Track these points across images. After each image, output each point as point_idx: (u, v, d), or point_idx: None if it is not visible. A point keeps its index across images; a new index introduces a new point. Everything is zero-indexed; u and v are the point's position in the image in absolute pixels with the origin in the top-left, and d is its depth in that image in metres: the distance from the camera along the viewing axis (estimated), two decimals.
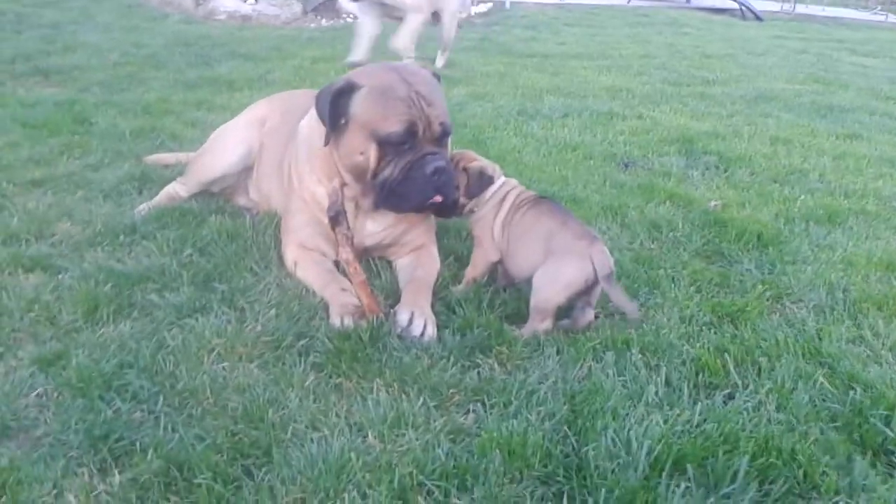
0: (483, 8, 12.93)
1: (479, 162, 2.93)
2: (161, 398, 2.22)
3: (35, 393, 2.24)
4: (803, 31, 13.06)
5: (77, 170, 4.02)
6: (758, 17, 14.40)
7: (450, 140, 2.88)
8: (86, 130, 4.70)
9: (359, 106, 2.73)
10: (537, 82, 7.04)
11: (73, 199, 3.63)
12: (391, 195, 2.78)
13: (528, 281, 2.67)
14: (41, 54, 6.90)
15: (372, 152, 2.74)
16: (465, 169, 2.87)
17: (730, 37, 11.49)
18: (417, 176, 2.72)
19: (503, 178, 2.95)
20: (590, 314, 2.66)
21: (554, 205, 2.84)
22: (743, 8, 14.67)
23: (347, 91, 2.75)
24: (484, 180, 2.87)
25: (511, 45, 9.20)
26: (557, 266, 2.59)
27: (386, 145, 2.72)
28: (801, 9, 16.27)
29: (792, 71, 8.54)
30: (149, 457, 1.97)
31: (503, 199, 2.87)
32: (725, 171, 4.57)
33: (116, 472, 1.94)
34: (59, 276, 2.88)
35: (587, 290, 2.58)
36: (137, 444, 2.03)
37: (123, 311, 2.68)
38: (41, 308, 2.66)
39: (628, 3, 15.42)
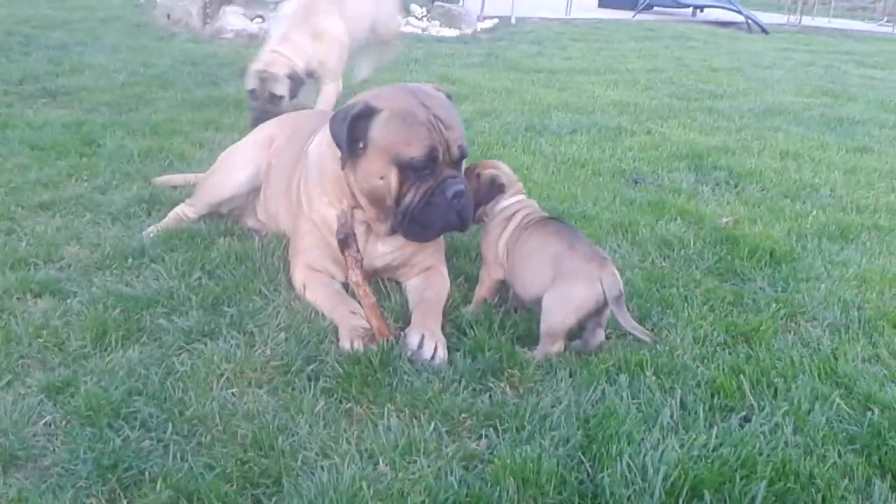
0: (488, 24, 12.95)
1: (496, 171, 2.93)
2: (170, 426, 2.20)
3: (43, 421, 2.21)
4: (810, 43, 13.04)
5: (85, 192, 4.01)
6: (764, 30, 14.38)
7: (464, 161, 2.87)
8: (94, 152, 4.70)
9: (379, 130, 2.71)
10: (544, 98, 7.02)
11: (82, 222, 3.62)
12: (412, 222, 2.77)
13: (536, 302, 2.65)
14: (49, 75, 6.91)
15: (393, 177, 2.72)
16: (478, 175, 2.89)
17: (736, 50, 11.48)
18: (439, 201, 2.72)
19: (519, 197, 2.94)
20: (600, 335, 2.63)
21: (561, 225, 2.82)
22: (749, 21, 14.66)
23: (366, 115, 2.72)
24: (494, 188, 2.88)
25: (517, 61, 9.20)
26: (567, 289, 2.56)
27: (407, 170, 2.70)
28: (807, 21, 16.26)
29: (799, 84, 8.52)
30: (158, 487, 1.95)
31: (511, 217, 2.86)
32: (736, 186, 4.54)
33: (125, 502, 1.92)
34: (68, 301, 2.86)
35: (598, 311, 2.56)
36: (146, 473, 2.01)
37: (132, 336, 2.67)
38: (49, 334, 2.64)
39: (633, 17, 15.43)
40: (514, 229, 2.82)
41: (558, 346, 2.59)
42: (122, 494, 1.95)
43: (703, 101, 7.26)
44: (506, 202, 2.90)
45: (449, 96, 2.94)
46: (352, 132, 2.71)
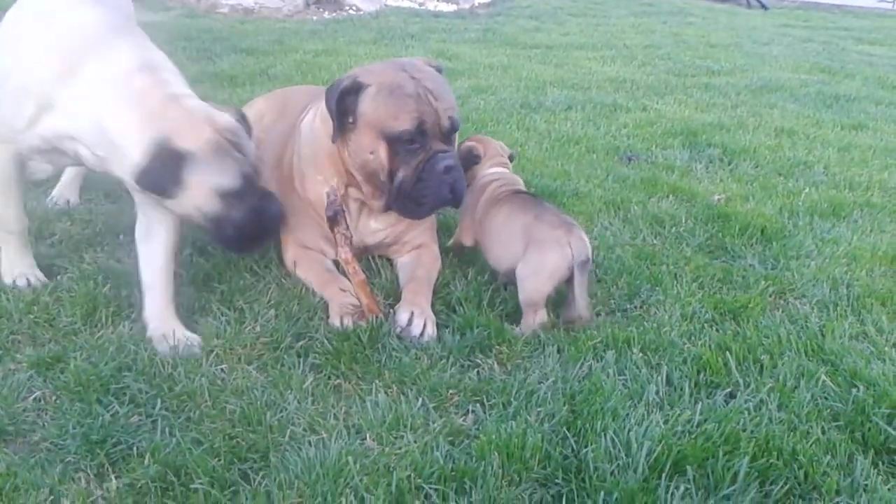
0: None
1: (475, 143, 3.12)
2: (159, 401, 2.21)
3: (33, 397, 2.23)
4: (809, 19, 12.96)
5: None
6: (763, 6, 14.28)
7: (456, 135, 2.85)
8: None
9: (367, 105, 2.70)
10: (541, 74, 6.99)
11: None
12: (406, 199, 2.75)
13: (511, 274, 2.71)
14: None
15: (382, 152, 2.71)
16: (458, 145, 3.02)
17: (734, 26, 11.40)
18: (430, 177, 2.70)
19: (496, 169, 3.04)
20: (582, 303, 2.62)
21: (528, 198, 2.90)
22: None
23: (354, 90, 2.71)
24: (469, 159, 3.03)
25: (515, 37, 9.14)
26: (539, 257, 2.63)
27: (396, 144, 2.69)
28: None
29: (797, 60, 8.47)
30: (146, 461, 1.97)
31: (484, 188, 2.96)
32: (729, 163, 4.54)
33: (113, 477, 1.94)
34: (59, 277, 2.86)
35: (572, 277, 2.59)
36: (135, 448, 2.03)
37: (122, 312, 2.68)
38: (40, 310, 2.65)
39: None
40: (485, 201, 2.90)
41: (541, 316, 2.62)
42: (110, 469, 1.97)
43: (700, 78, 7.23)
44: (482, 172, 3.00)
45: (440, 69, 2.91)
46: (341, 107, 2.70)
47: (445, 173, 2.69)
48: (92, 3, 2.64)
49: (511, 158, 3.21)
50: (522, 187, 3.07)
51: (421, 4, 11.63)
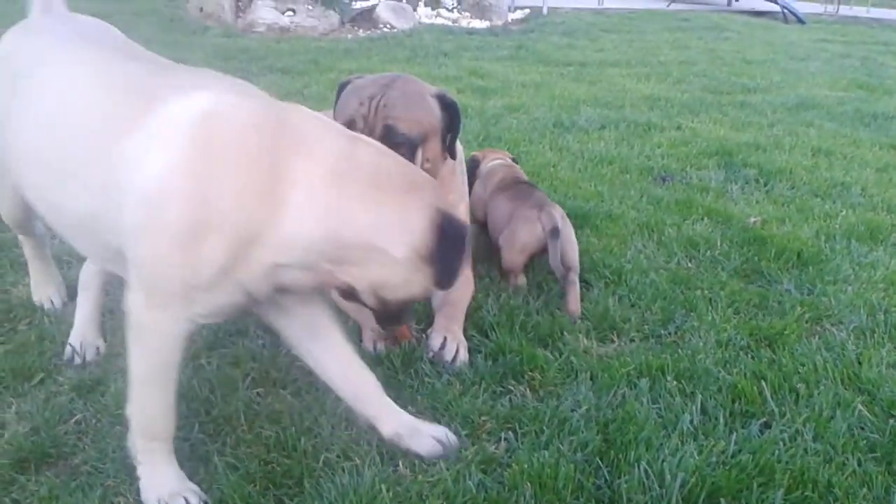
0: (520, 15, 12.91)
1: (477, 153, 3.73)
2: (196, 425, 2.25)
3: (74, 419, 2.28)
4: (847, 33, 12.80)
5: None
6: (800, 20, 14.15)
7: (417, 155, 2.68)
8: None
9: (339, 99, 2.82)
10: (574, 92, 7.00)
11: None
12: None
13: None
14: None
15: None
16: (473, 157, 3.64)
17: (771, 41, 11.31)
18: None
19: (496, 162, 3.61)
20: (573, 284, 2.98)
21: (525, 187, 3.39)
22: (785, 10, 14.43)
23: (343, 85, 2.85)
24: (471, 164, 3.49)
25: (548, 54, 9.16)
26: (512, 231, 3.12)
27: None
28: (844, 10, 15.96)
29: (834, 76, 8.38)
30: None
31: (493, 174, 3.51)
32: (765, 184, 4.50)
33: None
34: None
35: (543, 249, 3.03)
36: None
37: None
38: None
39: (668, 6, 15.27)
40: (493, 185, 3.43)
41: (521, 280, 3.12)
42: None
43: (736, 95, 7.18)
44: (483, 165, 3.60)
45: (450, 103, 2.81)
46: (337, 98, 2.83)
47: None
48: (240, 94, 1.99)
49: (515, 161, 3.75)
50: (524, 177, 3.59)
51: (454, 21, 11.70)
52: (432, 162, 2.76)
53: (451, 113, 2.77)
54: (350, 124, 2.64)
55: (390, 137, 2.66)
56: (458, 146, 3.03)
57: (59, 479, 2.04)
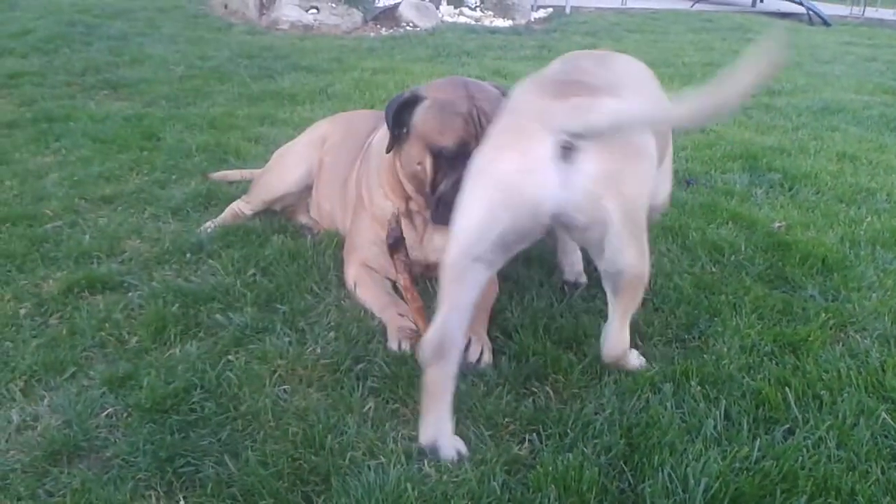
0: (543, 14, 12.88)
1: None
2: (225, 421, 2.29)
3: (105, 413, 2.32)
4: (873, 36, 12.66)
5: (146, 186, 4.14)
6: (825, 22, 14.03)
7: None
8: (154, 146, 4.84)
9: (419, 117, 2.82)
10: None
11: (142, 217, 3.74)
12: (445, 208, 2.80)
13: None
14: (110, 66, 7.11)
15: (428, 163, 2.81)
16: None
17: (796, 43, 11.21)
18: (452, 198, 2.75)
19: None
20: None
21: None
22: (810, 12, 14.31)
23: (412, 102, 2.85)
24: None
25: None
26: None
27: (440, 158, 2.79)
28: (870, 13, 15.78)
29: (860, 80, 8.30)
30: (213, 482, 2.04)
31: None
32: (790, 189, 4.48)
33: (181, 496, 2.02)
34: (129, 295, 2.98)
35: None
36: (202, 468, 2.10)
37: (190, 331, 2.76)
38: (112, 327, 2.76)
39: (692, 6, 15.19)
40: None
41: None
42: (178, 488, 2.04)
43: (760, 98, 7.12)
44: None
45: (504, 93, 2.93)
46: (398, 118, 2.84)
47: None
48: None
49: None
50: None
51: (477, 20, 11.69)
52: None
53: None
54: (464, 146, 2.70)
55: None
56: None
57: (92, 472, 2.08)
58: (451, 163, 2.76)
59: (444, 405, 2.20)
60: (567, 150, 2.04)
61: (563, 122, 2.04)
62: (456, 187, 2.68)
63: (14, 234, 3.46)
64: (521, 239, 2.19)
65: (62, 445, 2.17)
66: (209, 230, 3.54)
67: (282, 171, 3.63)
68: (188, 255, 3.30)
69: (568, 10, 13.06)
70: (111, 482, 2.04)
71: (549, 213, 2.10)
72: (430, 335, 2.18)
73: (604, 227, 2.13)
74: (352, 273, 3.05)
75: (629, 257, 2.20)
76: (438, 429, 2.19)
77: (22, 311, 2.87)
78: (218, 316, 2.84)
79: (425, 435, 2.19)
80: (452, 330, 2.19)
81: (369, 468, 2.10)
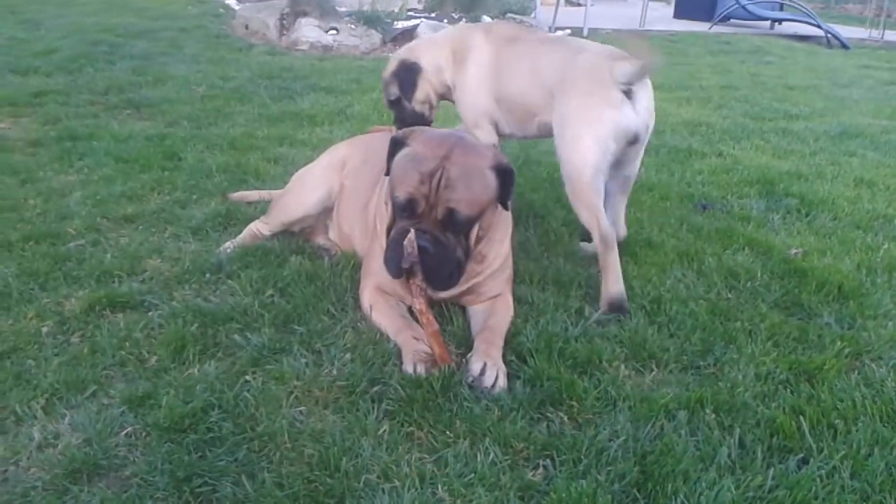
0: (560, 35, 12.94)
1: None
2: (242, 441, 2.31)
3: (125, 432, 2.35)
4: (892, 59, 12.62)
5: (166, 206, 4.20)
6: (844, 45, 14.02)
7: (473, 230, 2.88)
8: (175, 166, 4.91)
9: (395, 161, 2.91)
10: None
11: (163, 236, 3.80)
12: (391, 255, 2.89)
13: None
14: (133, 86, 7.22)
15: (390, 207, 2.92)
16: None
17: (814, 66, 11.22)
18: (397, 245, 2.81)
19: None
20: None
21: None
22: (828, 35, 14.31)
23: (399, 144, 2.93)
24: None
25: None
26: None
27: (394, 207, 2.87)
28: (890, 36, 15.75)
29: (879, 104, 8.29)
30: (230, 502, 2.06)
31: None
32: (807, 215, 4.48)
33: None
34: (149, 315, 3.02)
35: None
36: (219, 488, 2.12)
37: (209, 350, 2.80)
38: (132, 346, 2.80)
39: (710, 29, 15.23)
40: None
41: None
42: None
43: (778, 122, 7.14)
44: None
45: (510, 172, 2.90)
46: (391, 154, 2.94)
47: (407, 246, 2.76)
48: None
49: None
50: None
51: None
52: (486, 228, 2.95)
53: (506, 179, 2.89)
54: (411, 202, 2.76)
55: (452, 220, 2.80)
56: None
57: (111, 491, 2.11)
58: (400, 214, 2.84)
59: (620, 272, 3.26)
60: (627, 93, 3.27)
61: (627, 76, 3.26)
62: (398, 240, 2.78)
63: (37, 253, 3.51)
64: (619, 152, 3.36)
65: (82, 464, 2.21)
66: (228, 250, 3.58)
67: (301, 194, 3.67)
68: (207, 275, 3.35)
69: (585, 32, 13.11)
70: (130, 501, 2.07)
71: (633, 133, 3.33)
72: (606, 228, 3.27)
73: (645, 140, 3.45)
74: (367, 296, 3.08)
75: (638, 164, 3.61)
76: (621, 287, 3.22)
77: (44, 329, 2.92)
78: (236, 336, 2.88)
79: (615, 290, 3.20)
80: (609, 223, 3.33)
81: (384, 491, 2.12)
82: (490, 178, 2.85)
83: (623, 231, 3.71)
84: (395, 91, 4.14)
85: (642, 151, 3.53)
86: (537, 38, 4.12)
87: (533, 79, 3.68)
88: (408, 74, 4.07)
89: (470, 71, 3.91)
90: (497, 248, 3.09)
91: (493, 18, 12.72)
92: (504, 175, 2.88)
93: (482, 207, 2.84)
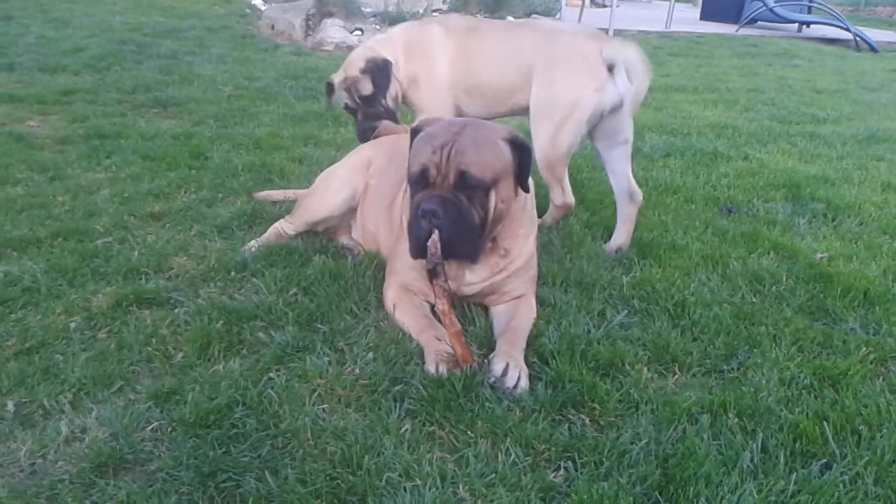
0: (522, 20, 12.88)
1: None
2: (266, 438, 2.34)
3: (150, 427, 2.39)
4: None
5: (193, 204, 4.24)
6: (872, 48, 13.88)
7: (490, 198, 2.82)
8: (201, 165, 4.95)
9: (412, 145, 2.94)
10: (639, 117, 6.92)
11: (189, 234, 3.84)
12: (408, 233, 2.90)
13: None
14: (160, 85, 7.30)
15: (409, 188, 2.93)
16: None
17: (842, 70, 11.12)
18: (417, 223, 2.80)
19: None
20: None
21: None
22: (857, 38, 14.17)
23: (417, 132, 2.97)
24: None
25: None
26: None
27: (410, 185, 2.88)
28: None
29: None
30: (254, 498, 2.08)
31: None
32: (833, 220, 4.44)
33: None
34: (175, 311, 3.05)
35: None
36: (242, 483, 2.14)
37: (233, 348, 2.83)
38: (158, 342, 2.84)
39: (737, 31, 15.12)
40: None
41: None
42: (220, 502, 2.09)
43: (805, 126, 7.09)
44: None
45: (525, 145, 2.90)
46: (411, 143, 2.96)
47: (422, 217, 2.76)
48: None
49: None
50: None
51: None
52: (506, 202, 2.89)
53: (522, 153, 2.87)
54: (424, 172, 2.75)
55: (464, 182, 2.77)
56: (532, 193, 3.15)
57: (137, 485, 2.14)
58: (414, 190, 2.85)
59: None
60: (609, 70, 3.58)
61: (609, 55, 3.57)
62: (416, 217, 2.78)
63: (66, 249, 3.57)
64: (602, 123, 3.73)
65: (109, 458, 2.24)
66: (253, 249, 3.62)
67: (325, 195, 3.70)
68: (232, 273, 3.38)
69: (611, 33, 13.07)
70: (155, 495, 2.10)
71: (614, 104, 3.63)
72: (570, 198, 3.92)
73: (629, 109, 3.71)
74: (391, 295, 3.09)
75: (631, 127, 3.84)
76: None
77: (72, 325, 2.96)
78: (260, 334, 2.91)
79: None
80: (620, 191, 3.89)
81: (405, 490, 2.13)
82: (503, 147, 2.84)
83: (639, 196, 3.94)
84: (367, 88, 4.20)
85: (631, 115, 3.78)
86: (501, 24, 4.40)
87: (510, 61, 3.86)
88: (382, 71, 4.15)
89: (437, 65, 4.04)
90: (520, 243, 3.09)
91: (517, 19, 12.72)
92: (520, 149, 2.87)
93: (495, 173, 2.80)
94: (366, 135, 4.14)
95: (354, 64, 4.23)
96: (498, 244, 3.02)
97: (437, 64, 4.03)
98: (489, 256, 3.02)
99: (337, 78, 4.30)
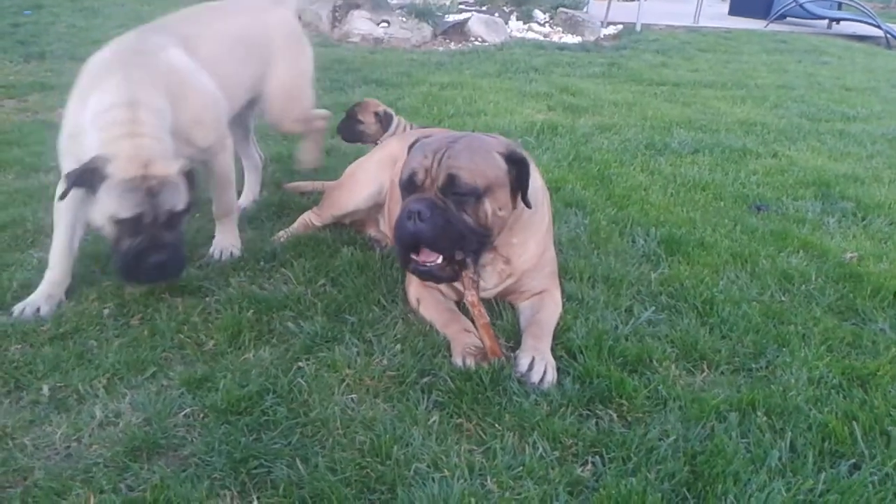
0: (612, 31, 12.84)
1: (383, 107, 4.52)
2: (296, 426, 2.37)
3: (183, 413, 2.43)
4: None
5: None
6: None
7: (482, 204, 2.75)
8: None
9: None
10: (667, 113, 6.94)
11: None
12: (394, 239, 2.90)
13: None
14: None
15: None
16: (375, 112, 4.49)
17: (872, 67, 10.96)
18: (400, 226, 2.75)
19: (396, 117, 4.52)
20: None
21: None
22: (888, 35, 13.96)
23: (413, 144, 2.96)
24: (387, 118, 4.45)
25: (640, 72, 9.09)
26: None
27: (400, 189, 2.88)
28: None
29: None
30: (285, 484, 2.11)
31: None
32: (863, 219, 4.40)
33: (255, 496, 2.10)
34: (206, 300, 3.09)
35: None
36: (274, 470, 2.18)
37: (263, 336, 2.87)
38: (190, 330, 2.88)
39: (766, 26, 14.96)
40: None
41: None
42: (251, 488, 2.13)
43: (835, 123, 7.01)
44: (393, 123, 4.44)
45: (522, 159, 2.84)
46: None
47: (408, 218, 2.72)
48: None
49: None
50: None
51: (545, 36, 11.72)
52: (503, 213, 2.83)
53: (519, 168, 2.81)
54: (413, 175, 2.76)
55: (453, 186, 2.72)
56: (542, 191, 3.13)
57: (170, 469, 2.18)
58: (403, 192, 2.85)
59: None
60: None
61: None
62: (400, 220, 2.75)
63: (99, 237, 3.60)
64: None
65: (142, 442, 2.28)
66: (282, 239, 3.65)
67: (352, 189, 3.71)
68: (262, 263, 3.42)
69: (639, 28, 12.98)
70: (188, 480, 2.13)
71: None
72: None
73: None
74: (413, 291, 3.10)
75: None
76: None
77: (105, 311, 3.01)
78: (290, 323, 2.94)
79: None
80: None
81: (433, 480, 2.15)
82: (497, 159, 2.80)
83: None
84: None
85: None
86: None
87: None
88: None
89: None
90: (518, 251, 3.03)
91: (544, 13, 12.69)
92: (517, 164, 2.81)
93: (488, 181, 2.74)
94: None
95: None
96: (498, 252, 3.01)
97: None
98: (494, 264, 3.02)
99: None
